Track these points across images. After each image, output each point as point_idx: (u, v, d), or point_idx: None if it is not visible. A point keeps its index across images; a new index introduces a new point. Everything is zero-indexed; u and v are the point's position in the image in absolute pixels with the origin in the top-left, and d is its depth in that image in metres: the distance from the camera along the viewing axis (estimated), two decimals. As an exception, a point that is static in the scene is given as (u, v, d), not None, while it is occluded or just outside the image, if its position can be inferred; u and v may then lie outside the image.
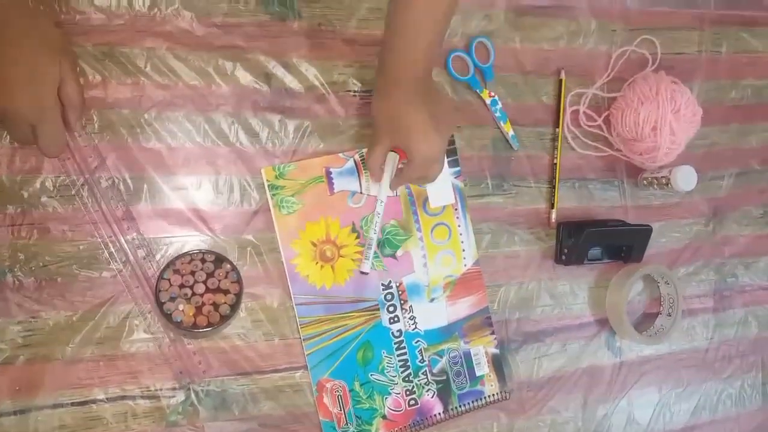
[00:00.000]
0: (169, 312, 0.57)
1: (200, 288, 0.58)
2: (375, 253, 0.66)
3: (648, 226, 0.74)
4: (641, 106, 0.71)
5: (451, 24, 0.62)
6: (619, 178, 0.77)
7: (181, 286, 0.58)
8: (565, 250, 0.72)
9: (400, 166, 0.62)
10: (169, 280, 0.57)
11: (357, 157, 0.66)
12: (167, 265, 0.58)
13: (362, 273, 0.64)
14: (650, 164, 0.74)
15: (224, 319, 0.58)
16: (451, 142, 0.70)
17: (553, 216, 0.73)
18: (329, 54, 0.66)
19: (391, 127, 0.59)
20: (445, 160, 0.65)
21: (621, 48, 0.76)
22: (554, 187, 0.73)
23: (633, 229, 0.74)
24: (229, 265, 0.59)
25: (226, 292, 0.59)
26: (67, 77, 0.53)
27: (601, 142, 0.76)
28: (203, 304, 0.58)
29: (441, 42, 0.58)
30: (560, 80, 0.74)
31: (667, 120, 0.70)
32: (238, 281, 0.59)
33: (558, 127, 0.74)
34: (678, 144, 0.72)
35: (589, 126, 0.76)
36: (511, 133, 0.70)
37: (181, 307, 0.57)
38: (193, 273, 0.58)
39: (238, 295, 0.59)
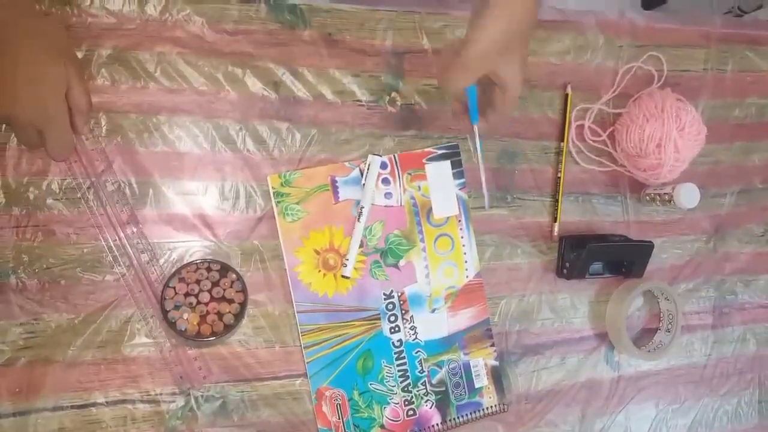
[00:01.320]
0: (173, 320, 0.57)
1: (205, 297, 0.58)
2: (378, 262, 0.66)
3: (650, 242, 0.74)
4: (646, 123, 0.71)
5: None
6: (622, 194, 0.77)
7: (186, 294, 0.58)
8: (567, 264, 0.72)
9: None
10: (174, 288, 0.57)
11: (363, 166, 0.66)
12: (173, 274, 0.58)
13: (343, 277, 0.64)
14: (654, 181, 0.74)
15: (228, 328, 0.58)
16: (456, 154, 0.70)
17: (556, 229, 0.73)
18: (338, 63, 0.66)
19: (500, 54, 0.55)
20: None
21: (627, 64, 0.77)
22: (557, 200, 0.73)
23: (635, 245, 0.74)
24: (234, 275, 0.59)
25: (230, 301, 0.59)
26: (75, 81, 0.54)
27: (605, 158, 0.76)
28: (208, 313, 0.58)
29: None
30: (566, 95, 0.74)
31: (672, 137, 0.70)
32: (243, 291, 0.59)
33: (563, 141, 0.74)
34: (682, 161, 0.72)
35: (594, 141, 0.76)
36: (486, 192, 0.68)
37: (185, 315, 0.57)
38: (198, 282, 0.58)
39: (243, 305, 0.59)
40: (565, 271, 0.72)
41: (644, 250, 0.74)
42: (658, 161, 0.71)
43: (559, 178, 0.74)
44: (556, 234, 0.73)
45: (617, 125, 0.75)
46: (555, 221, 0.73)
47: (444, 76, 0.58)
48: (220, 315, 0.58)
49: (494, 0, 0.55)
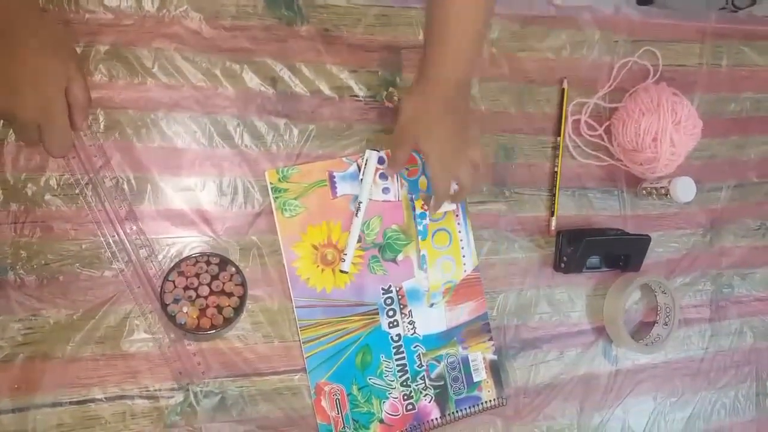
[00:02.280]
0: (173, 314, 0.57)
1: (204, 290, 0.58)
2: (376, 257, 0.66)
3: (646, 236, 0.74)
4: (642, 117, 0.71)
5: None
6: (619, 188, 0.78)
7: (186, 288, 0.58)
8: (564, 258, 0.73)
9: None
10: (173, 281, 0.58)
11: (360, 161, 0.66)
12: (172, 267, 0.58)
13: (341, 272, 0.65)
14: (650, 174, 0.74)
15: (228, 321, 0.58)
16: (454, 149, 0.70)
17: (553, 224, 0.73)
18: (335, 59, 0.66)
19: (419, 127, 0.58)
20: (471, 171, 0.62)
21: (623, 59, 0.77)
22: (554, 195, 0.74)
23: (632, 239, 0.75)
24: (233, 268, 0.59)
25: (230, 294, 0.59)
26: (74, 78, 0.54)
27: (602, 152, 0.77)
28: (207, 306, 0.58)
29: (482, 44, 0.58)
30: (563, 90, 0.75)
31: (668, 131, 0.70)
32: (243, 284, 0.59)
33: (559, 135, 0.74)
34: (678, 155, 0.72)
35: (590, 135, 0.76)
36: (423, 251, 0.68)
37: (185, 309, 0.57)
38: (197, 275, 0.58)
39: (242, 298, 0.59)
40: (562, 265, 0.73)
41: (641, 243, 0.74)
42: (654, 155, 0.71)
43: (556, 172, 0.74)
44: (553, 228, 0.73)
45: (613, 119, 0.75)
46: (552, 216, 0.74)
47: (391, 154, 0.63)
48: (219, 308, 0.58)
49: (417, 76, 0.59)
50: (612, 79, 0.77)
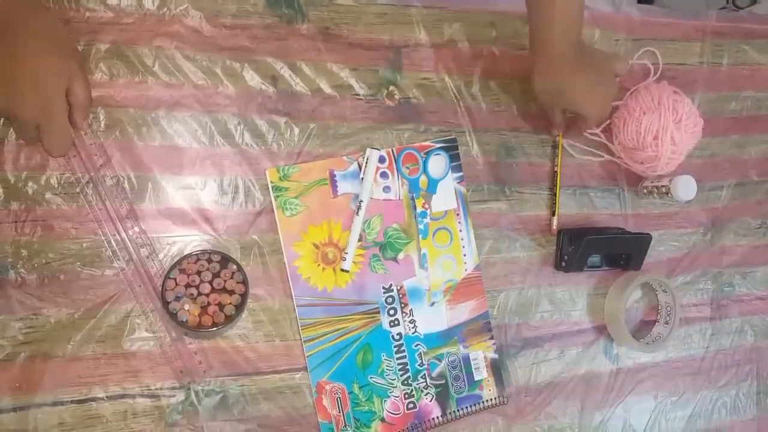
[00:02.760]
0: (174, 311, 0.57)
1: (206, 288, 0.58)
2: (377, 256, 0.66)
3: (647, 234, 0.74)
4: (643, 116, 0.71)
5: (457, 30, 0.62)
6: (620, 187, 0.77)
7: (187, 285, 0.58)
8: (565, 257, 0.73)
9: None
10: (175, 279, 0.57)
11: (361, 160, 0.66)
12: (174, 265, 0.58)
13: (342, 270, 0.65)
14: (651, 173, 0.74)
15: (229, 319, 0.58)
16: (454, 147, 0.70)
17: (554, 223, 0.73)
18: (336, 57, 0.66)
19: (558, 99, 0.66)
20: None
21: (628, 57, 0.77)
22: (555, 194, 0.74)
23: (632, 237, 0.75)
24: (235, 266, 0.59)
25: (231, 292, 0.59)
26: (75, 77, 0.53)
27: (602, 151, 0.77)
28: (209, 304, 0.58)
29: (583, 7, 0.61)
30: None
31: (669, 130, 0.70)
32: (244, 282, 0.59)
33: (559, 134, 0.74)
34: (679, 154, 0.72)
35: (590, 134, 0.76)
36: (423, 250, 0.68)
37: (186, 306, 0.57)
38: (199, 273, 0.58)
39: (244, 296, 0.59)
40: (563, 264, 0.73)
41: (642, 242, 0.74)
42: (655, 154, 0.71)
43: (557, 171, 0.74)
44: (554, 227, 0.73)
45: (614, 118, 0.75)
46: (553, 215, 0.74)
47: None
48: (221, 306, 0.58)
49: (535, 52, 0.63)
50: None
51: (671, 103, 0.71)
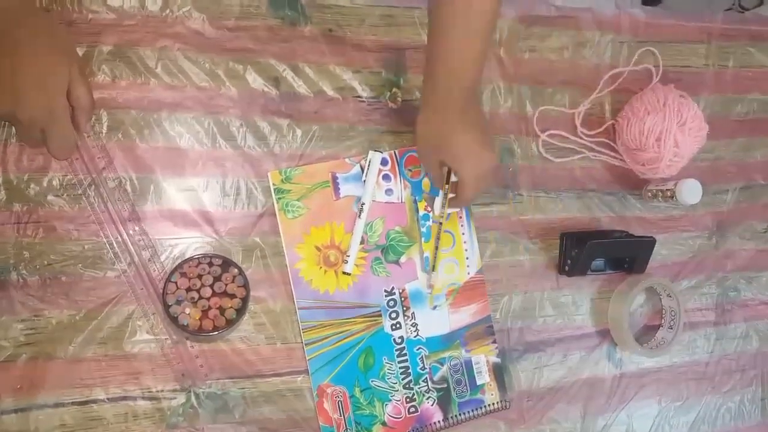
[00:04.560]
0: (175, 315, 0.57)
1: (207, 292, 0.58)
2: (378, 258, 0.66)
3: (651, 238, 0.74)
4: (647, 116, 0.71)
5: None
6: (624, 190, 0.77)
7: (188, 289, 0.58)
8: (569, 261, 0.72)
9: (451, 195, 0.63)
10: (176, 283, 0.57)
11: (363, 162, 0.66)
12: (174, 269, 0.58)
13: (344, 273, 0.64)
14: (652, 175, 0.74)
15: (230, 323, 0.58)
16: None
17: (432, 279, 0.68)
18: (339, 59, 0.66)
19: (439, 144, 0.58)
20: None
21: (627, 60, 0.77)
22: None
23: (636, 241, 0.74)
24: (236, 270, 0.59)
25: (232, 296, 0.59)
26: (77, 80, 0.53)
27: (606, 154, 0.76)
28: (209, 307, 0.58)
29: (486, 53, 0.55)
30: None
31: (672, 132, 0.70)
32: (245, 286, 0.59)
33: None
34: (681, 157, 0.72)
35: (595, 136, 0.76)
36: (426, 253, 0.67)
37: (187, 310, 0.57)
38: (200, 276, 0.58)
39: (245, 300, 0.59)
40: (566, 268, 0.72)
41: (646, 245, 0.74)
42: (657, 155, 0.71)
43: (441, 224, 0.67)
44: (431, 282, 0.68)
45: (618, 118, 0.75)
46: (433, 269, 0.67)
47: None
48: (221, 310, 0.58)
49: (425, 96, 0.59)
50: (605, 81, 0.76)
51: (676, 106, 0.70)
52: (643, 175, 0.75)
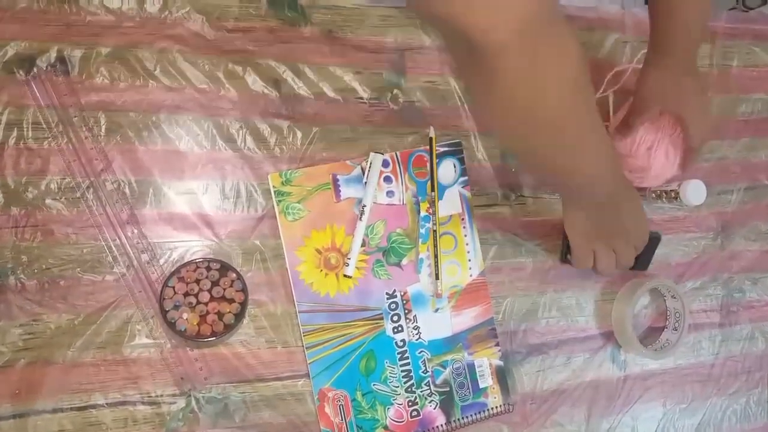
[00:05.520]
0: (173, 320, 0.56)
1: (205, 296, 0.57)
2: (380, 261, 0.66)
3: (657, 232, 0.72)
4: (641, 126, 0.69)
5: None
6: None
7: (186, 294, 0.57)
8: (570, 250, 0.69)
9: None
10: (173, 287, 0.57)
11: (364, 164, 0.66)
12: (172, 273, 0.57)
13: (345, 276, 0.64)
14: (638, 183, 0.73)
15: (228, 328, 0.58)
16: (459, 151, 0.69)
17: (439, 287, 0.67)
18: (339, 61, 0.66)
19: (668, 95, 0.63)
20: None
21: (632, 60, 0.76)
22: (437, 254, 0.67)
23: None
24: (234, 274, 0.58)
25: (230, 301, 0.58)
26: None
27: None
28: (207, 312, 0.57)
29: (709, 15, 0.64)
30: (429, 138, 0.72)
31: (664, 144, 0.69)
32: (243, 290, 0.58)
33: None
34: (670, 169, 0.70)
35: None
36: (421, 256, 0.66)
37: (185, 315, 0.57)
38: (198, 281, 0.57)
39: (243, 305, 0.58)
40: (568, 256, 0.70)
41: (651, 240, 0.72)
42: (644, 165, 0.70)
43: (435, 230, 0.67)
44: (439, 291, 0.67)
45: (612, 120, 0.74)
46: (437, 278, 0.66)
47: (624, 124, 0.69)
48: (220, 315, 0.58)
49: (651, 47, 0.63)
50: (608, 80, 0.75)
51: (673, 117, 0.68)
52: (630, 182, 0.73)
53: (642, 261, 0.71)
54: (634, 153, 0.70)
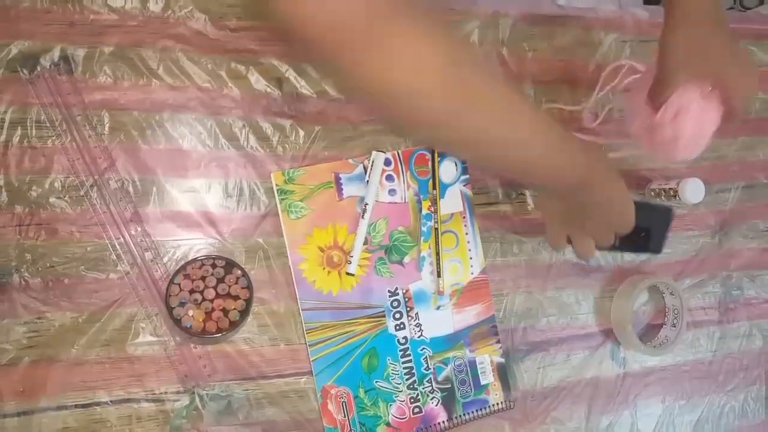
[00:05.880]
0: (178, 317, 0.56)
1: (210, 293, 0.58)
2: (382, 259, 0.66)
3: (669, 207, 0.65)
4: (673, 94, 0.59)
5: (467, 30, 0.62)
6: (628, 189, 0.77)
7: (191, 291, 0.57)
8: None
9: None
10: (179, 285, 0.57)
11: (366, 162, 0.66)
12: (178, 270, 0.57)
13: (347, 274, 0.64)
14: (670, 157, 0.64)
15: (234, 324, 0.58)
16: (461, 150, 0.69)
17: (441, 285, 0.67)
18: (341, 59, 0.66)
19: (696, 56, 0.52)
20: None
21: (631, 59, 0.76)
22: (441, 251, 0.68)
23: (652, 209, 0.64)
24: (239, 271, 0.59)
25: (236, 297, 0.58)
26: None
27: (611, 149, 0.76)
28: (213, 309, 0.58)
29: None
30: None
31: (695, 108, 0.58)
32: (248, 287, 0.59)
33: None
34: (702, 137, 0.61)
35: (599, 132, 0.75)
36: (423, 254, 0.66)
37: (190, 312, 0.57)
38: (203, 278, 0.58)
39: (248, 301, 0.58)
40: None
41: (662, 216, 0.64)
42: (675, 133, 0.60)
43: (437, 228, 0.67)
44: (441, 289, 0.67)
45: (632, 86, 0.66)
46: (439, 276, 0.68)
47: (653, 93, 0.57)
48: (225, 311, 0.58)
49: (669, 11, 0.54)
50: (606, 75, 0.75)
51: (708, 79, 0.58)
52: (661, 159, 0.68)
53: (654, 243, 0.65)
54: (659, 122, 0.61)
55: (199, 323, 0.57)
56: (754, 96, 0.58)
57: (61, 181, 0.58)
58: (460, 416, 0.68)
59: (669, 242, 0.70)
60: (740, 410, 0.81)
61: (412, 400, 0.66)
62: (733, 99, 0.55)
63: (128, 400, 0.58)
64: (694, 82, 0.57)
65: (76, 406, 0.57)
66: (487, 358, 0.69)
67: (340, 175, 0.65)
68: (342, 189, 0.65)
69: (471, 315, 0.69)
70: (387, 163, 0.67)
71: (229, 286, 0.58)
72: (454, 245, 0.69)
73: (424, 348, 0.67)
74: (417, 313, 0.67)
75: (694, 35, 0.52)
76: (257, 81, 0.63)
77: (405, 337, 0.66)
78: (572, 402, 0.73)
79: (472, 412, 0.68)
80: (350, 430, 0.64)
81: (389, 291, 0.66)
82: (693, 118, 0.59)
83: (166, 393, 0.59)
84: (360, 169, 0.66)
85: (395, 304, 0.66)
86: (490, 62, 0.39)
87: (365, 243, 0.65)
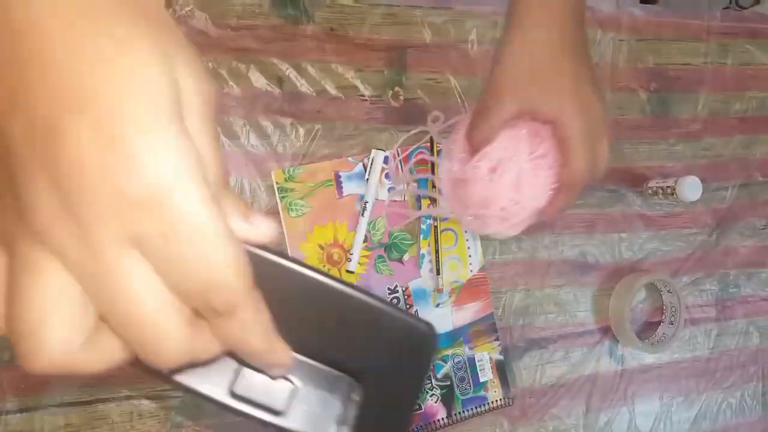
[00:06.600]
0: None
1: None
2: (382, 257, 0.66)
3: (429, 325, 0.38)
4: (495, 133, 0.45)
5: (470, 28, 0.62)
6: (625, 186, 0.77)
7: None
8: None
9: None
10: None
11: (366, 161, 0.66)
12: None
13: (348, 272, 0.65)
14: (477, 229, 0.51)
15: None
16: (460, 148, 0.70)
17: (440, 283, 0.66)
18: (341, 58, 0.66)
19: (526, 83, 0.40)
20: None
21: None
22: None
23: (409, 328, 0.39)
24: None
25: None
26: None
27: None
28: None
29: None
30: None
31: (517, 164, 0.44)
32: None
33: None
34: (525, 205, 0.47)
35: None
36: (422, 251, 0.66)
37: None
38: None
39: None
40: None
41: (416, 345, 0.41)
42: (487, 195, 0.46)
43: (436, 226, 0.66)
44: (440, 287, 0.66)
45: (455, 128, 0.51)
46: (438, 273, 0.68)
47: (471, 131, 0.44)
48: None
49: (509, 22, 0.43)
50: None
51: (534, 128, 0.44)
52: (466, 225, 0.54)
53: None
54: (473, 176, 0.46)
55: (201, 320, 0.57)
56: (599, 173, 0.41)
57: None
58: (459, 413, 0.68)
59: (654, 251, 0.73)
60: (737, 407, 0.82)
61: (411, 397, 0.66)
62: (567, 164, 0.41)
63: (129, 398, 0.58)
64: (524, 120, 0.43)
65: (78, 402, 0.57)
66: (486, 355, 0.69)
67: (340, 173, 0.66)
68: (342, 187, 0.66)
69: (470, 312, 0.69)
70: (386, 161, 0.67)
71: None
72: (453, 243, 0.69)
73: (423, 345, 0.67)
74: (416, 310, 0.67)
75: (536, 54, 0.40)
76: (258, 79, 0.64)
77: (404, 335, 0.67)
78: (570, 399, 0.73)
79: (471, 409, 0.68)
80: (350, 426, 0.64)
81: (389, 288, 0.67)
82: (510, 178, 0.44)
83: (167, 390, 0.59)
84: (360, 167, 0.66)
85: (395, 301, 0.67)
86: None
87: (365, 241, 0.66)
